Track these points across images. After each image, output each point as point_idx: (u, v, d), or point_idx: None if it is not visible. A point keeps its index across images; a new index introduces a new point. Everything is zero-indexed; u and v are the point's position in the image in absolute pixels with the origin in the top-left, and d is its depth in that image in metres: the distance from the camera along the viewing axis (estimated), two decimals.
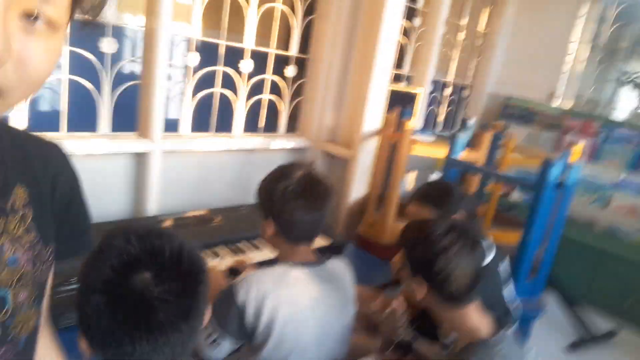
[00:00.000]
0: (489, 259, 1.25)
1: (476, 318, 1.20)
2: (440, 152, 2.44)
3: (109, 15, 1.83)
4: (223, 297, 1.22)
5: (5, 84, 0.44)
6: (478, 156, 2.46)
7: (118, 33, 1.92)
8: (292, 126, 2.76)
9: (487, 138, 2.47)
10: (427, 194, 1.69)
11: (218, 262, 1.72)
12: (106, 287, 0.69)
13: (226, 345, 1.21)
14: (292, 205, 1.24)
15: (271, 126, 2.65)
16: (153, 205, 2.03)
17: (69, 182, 0.66)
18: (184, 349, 0.75)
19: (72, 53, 1.81)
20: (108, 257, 0.70)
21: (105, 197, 1.97)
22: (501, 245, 1.60)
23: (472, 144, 2.51)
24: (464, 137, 2.21)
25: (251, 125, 2.53)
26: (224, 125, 2.40)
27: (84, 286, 0.71)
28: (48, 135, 0.66)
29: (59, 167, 0.65)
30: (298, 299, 1.24)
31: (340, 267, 1.40)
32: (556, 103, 3.91)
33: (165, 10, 1.87)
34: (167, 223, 1.91)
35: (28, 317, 0.56)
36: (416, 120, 2.84)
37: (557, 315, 3.17)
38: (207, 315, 0.80)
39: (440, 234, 1.16)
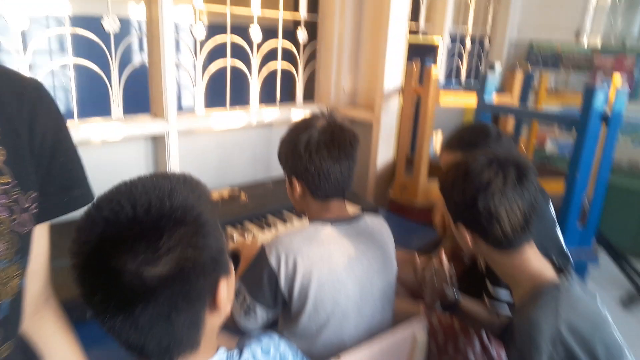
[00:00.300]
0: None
1: (536, 261, 1.05)
2: (469, 99, 2.29)
3: None
4: (253, 263, 1.15)
5: None
6: (510, 100, 2.29)
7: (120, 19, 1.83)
8: (309, 94, 2.64)
9: (517, 79, 2.30)
10: (461, 137, 1.52)
11: (255, 237, 1.64)
12: (88, 262, 0.58)
13: (261, 314, 1.14)
14: (319, 157, 1.15)
15: (287, 96, 2.54)
16: None
17: (50, 127, 0.56)
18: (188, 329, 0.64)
19: (75, 36, 1.73)
20: (83, 231, 0.58)
21: None
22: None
23: (501, 88, 2.36)
24: (493, 78, 2.04)
25: (266, 97, 2.42)
26: (238, 100, 2.30)
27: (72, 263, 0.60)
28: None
29: (36, 107, 0.55)
30: (332, 257, 1.15)
31: (377, 222, 1.30)
32: (583, 42, 3.67)
33: None
34: None
35: (8, 275, 0.48)
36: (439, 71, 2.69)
37: (607, 268, 3.00)
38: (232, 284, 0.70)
39: (478, 169, 1.01)
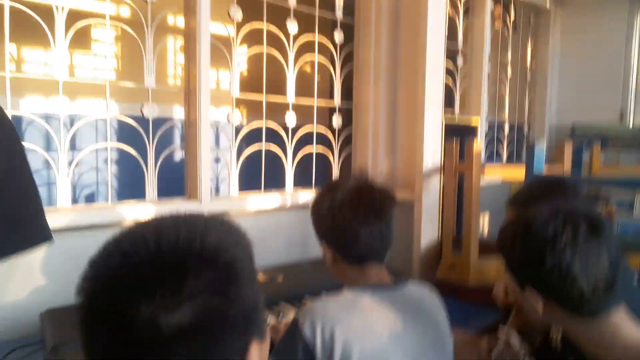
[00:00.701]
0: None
1: (631, 328, 0.87)
2: (515, 172, 2.16)
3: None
4: (286, 336, 1.02)
5: None
6: (562, 168, 2.15)
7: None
8: (347, 177, 2.60)
9: (567, 151, 2.17)
10: (531, 191, 1.33)
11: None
12: (98, 310, 0.49)
13: None
14: (342, 217, 1.07)
15: (323, 180, 2.50)
16: None
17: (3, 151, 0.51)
18: None
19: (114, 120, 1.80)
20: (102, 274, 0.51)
21: None
22: None
23: (550, 159, 2.23)
24: (540, 145, 1.93)
25: (301, 180, 2.39)
26: (273, 183, 2.28)
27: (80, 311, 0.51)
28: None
29: None
30: (375, 328, 1.00)
31: (423, 291, 1.17)
32: (628, 122, 3.56)
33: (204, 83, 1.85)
34: None
35: None
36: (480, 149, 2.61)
37: None
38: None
39: (541, 221, 0.88)
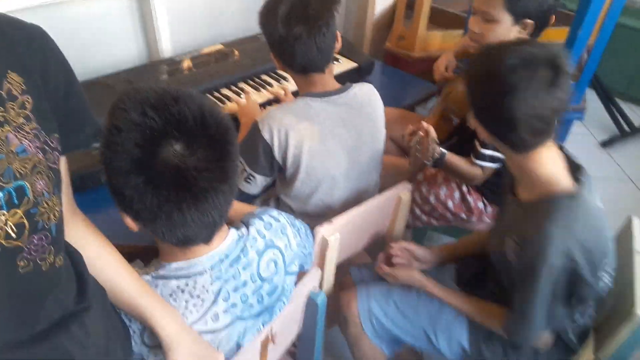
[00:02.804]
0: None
1: (552, 165, 0.99)
2: None
3: None
4: (249, 136, 1.23)
5: None
6: None
7: None
8: None
9: None
10: None
11: (249, 96, 1.66)
12: (139, 166, 0.66)
13: (260, 181, 1.26)
14: (282, 35, 1.13)
15: None
16: (165, 45, 1.91)
17: (61, 73, 0.61)
18: (228, 204, 0.76)
19: None
20: (129, 136, 0.66)
21: (114, 43, 1.86)
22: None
23: None
24: None
25: None
26: None
27: (114, 169, 0.68)
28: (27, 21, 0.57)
29: (46, 55, 0.59)
30: (323, 130, 1.22)
31: (366, 91, 1.33)
32: None
33: None
34: (185, 64, 1.82)
35: (52, 205, 0.56)
36: None
37: (595, 109, 3.07)
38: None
39: (507, 70, 0.90)
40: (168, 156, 0.65)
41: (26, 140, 0.52)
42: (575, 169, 1.02)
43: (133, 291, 0.75)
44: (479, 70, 0.98)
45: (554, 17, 1.37)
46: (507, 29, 1.34)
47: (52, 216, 0.56)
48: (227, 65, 1.85)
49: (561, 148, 1.05)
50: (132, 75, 1.70)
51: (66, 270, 0.61)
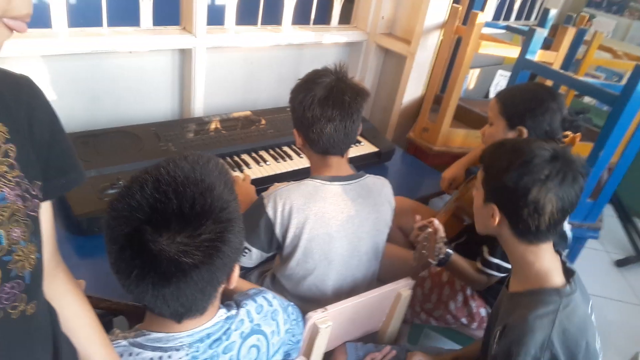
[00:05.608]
0: None
1: (549, 261, 1.03)
2: (511, 51, 2.16)
3: None
4: (252, 210, 1.23)
5: None
6: (555, 57, 2.15)
7: None
8: (346, 18, 2.53)
9: (568, 35, 2.14)
10: (514, 98, 1.43)
11: (246, 173, 1.68)
12: (128, 241, 0.67)
13: (256, 254, 1.25)
14: (311, 115, 1.17)
15: (323, 18, 2.43)
16: (198, 105, 2.00)
17: (46, 121, 0.62)
18: (205, 296, 0.76)
19: None
20: (126, 210, 0.68)
21: (150, 96, 1.95)
22: None
23: (551, 39, 2.20)
24: (541, 33, 1.91)
25: (301, 17, 2.33)
26: (272, 17, 2.23)
27: (108, 234, 0.70)
28: (14, 74, 0.60)
29: (32, 103, 0.60)
30: (326, 214, 1.22)
31: (379, 183, 1.34)
32: None
33: None
34: (212, 125, 1.89)
35: (28, 253, 0.56)
36: (487, 11, 2.50)
37: (611, 227, 3.02)
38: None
39: (540, 162, 0.97)
40: (156, 240, 0.66)
41: (7, 188, 0.53)
42: (569, 274, 1.04)
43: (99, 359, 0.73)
44: (509, 158, 1.01)
45: (571, 134, 1.41)
46: (502, 133, 1.44)
47: (26, 264, 0.56)
48: (252, 132, 1.91)
49: (559, 253, 1.08)
50: (160, 129, 1.76)
51: (40, 323, 0.61)
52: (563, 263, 1.06)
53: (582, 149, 2.04)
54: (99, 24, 1.76)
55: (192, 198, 0.68)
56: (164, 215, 0.67)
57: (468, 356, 1.33)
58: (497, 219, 1.04)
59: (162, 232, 0.66)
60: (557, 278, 1.02)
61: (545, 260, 1.03)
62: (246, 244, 1.22)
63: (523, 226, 1.00)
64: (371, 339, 1.39)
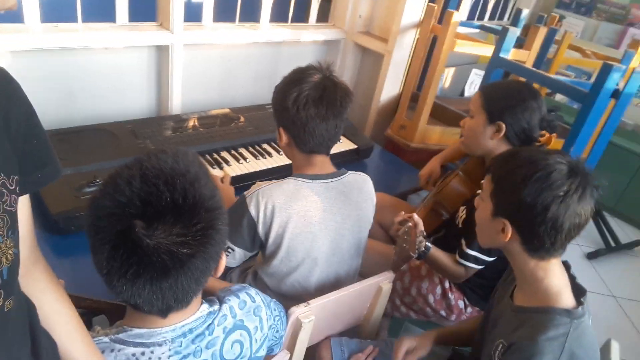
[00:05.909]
0: None
1: (559, 279, 0.98)
2: (485, 50, 2.21)
3: None
4: (235, 209, 1.22)
5: None
6: (528, 55, 2.22)
7: None
8: (324, 16, 2.54)
9: (540, 35, 2.20)
10: (497, 92, 1.46)
11: (226, 172, 1.67)
12: (121, 239, 0.66)
13: (240, 254, 1.24)
14: (305, 114, 1.16)
15: (301, 16, 2.44)
16: (176, 102, 1.98)
17: (22, 113, 0.60)
18: (191, 289, 0.75)
19: None
20: (115, 207, 0.66)
21: (127, 93, 1.92)
22: None
23: (523, 38, 2.26)
24: (514, 32, 1.96)
25: (279, 14, 2.33)
26: (249, 15, 2.22)
27: (96, 235, 0.68)
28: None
29: (8, 97, 0.58)
30: (309, 213, 1.22)
31: (360, 180, 1.34)
32: None
33: None
34: (190, 122, 1.87)
35: (5, 249, 0.55)
36: (462, 11, 2.55)
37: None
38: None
39: (560, 177, 0.91)
40: (140, 233, 0.65)
41: None
42: (579, 292, 1.01)
43: (80, 356, 0.72)
44: (525, 173, 0.95)
45: (546, 133, 1.44)
46: (482, 127, 1.46)
47: (4, 259, 0.55)
48: (231, 129, 1.90)
49: (568, 268, 1.05)
50: (137, 126, 1.74)
51: (17, 318, 0.60)
52: (572, 278, 1.03)
53: (554, 146, 2.10)
54: (73, 19, 1.72)
55: (184, 189, 0.68)
56: (158, 208, 0.66)
57: (451, 331, 1.36)
58: (508, 235, 0.98)
59: (158, 226, 0.66)
60: (567, 298, 0.98)
61: (556, 276, 0.98)
62: (229, 244, 1.21)
63: (538, 242, 0.95)
64: (353, 332, 1.41)
